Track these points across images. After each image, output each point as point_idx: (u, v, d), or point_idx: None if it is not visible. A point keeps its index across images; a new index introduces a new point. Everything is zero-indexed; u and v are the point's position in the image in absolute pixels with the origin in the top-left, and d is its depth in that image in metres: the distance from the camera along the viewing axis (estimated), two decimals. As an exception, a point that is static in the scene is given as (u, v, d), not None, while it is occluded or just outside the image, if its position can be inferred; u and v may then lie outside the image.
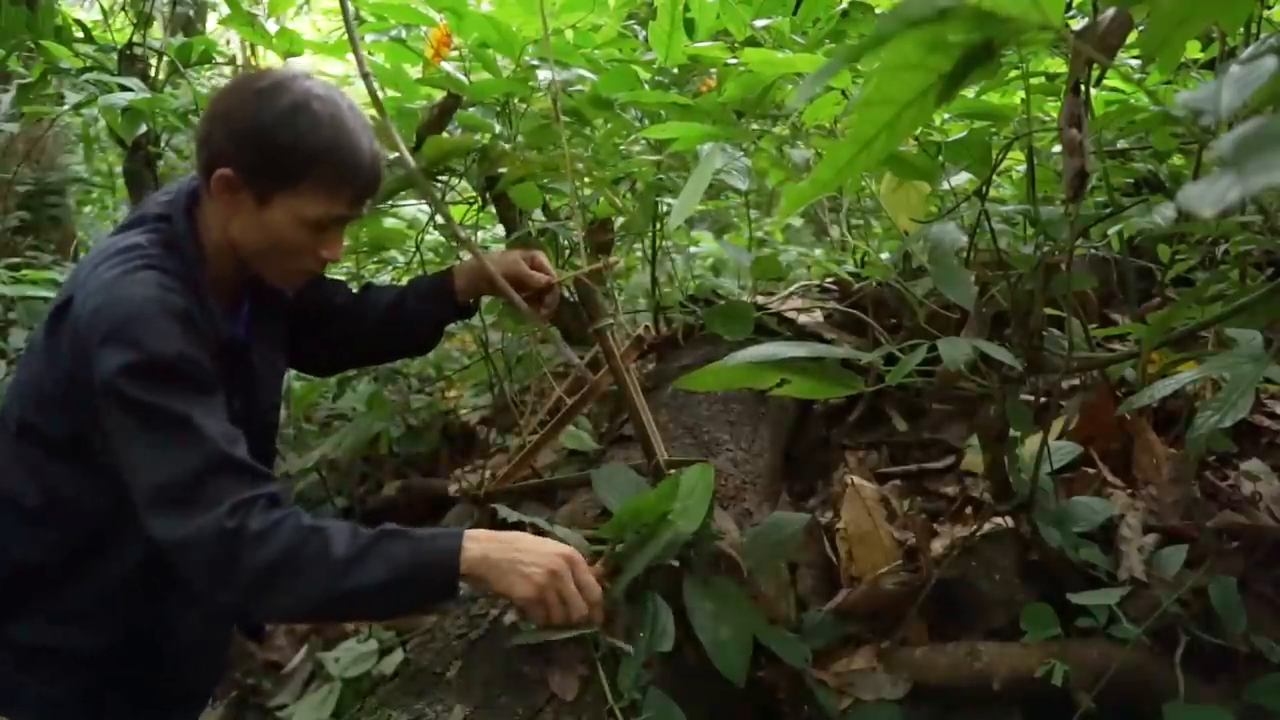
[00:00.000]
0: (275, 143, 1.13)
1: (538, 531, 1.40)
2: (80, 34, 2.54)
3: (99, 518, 1.18)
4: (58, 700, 1.19)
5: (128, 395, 1.04)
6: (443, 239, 2.28)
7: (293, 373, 1.71)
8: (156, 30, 3.49)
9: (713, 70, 1.89)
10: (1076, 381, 1.70)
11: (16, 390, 1.20)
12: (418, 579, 1.08)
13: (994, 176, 1.57)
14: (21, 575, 1.18)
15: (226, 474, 1.05)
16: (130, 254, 1.14)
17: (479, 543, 1.10)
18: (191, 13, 4.42)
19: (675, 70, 1.91)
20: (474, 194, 2.12)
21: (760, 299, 2.22)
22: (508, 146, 1.76)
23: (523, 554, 1.11)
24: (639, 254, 2.53)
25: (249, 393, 1.26)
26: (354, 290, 1.57)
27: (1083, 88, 0.91)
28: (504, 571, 1.10)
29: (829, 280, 2.35)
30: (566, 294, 1.64)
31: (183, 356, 1.06)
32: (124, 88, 2.07)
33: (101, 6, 3.37)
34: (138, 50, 2.57)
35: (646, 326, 2.25)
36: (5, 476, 1.19)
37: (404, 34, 1.98)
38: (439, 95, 1.89)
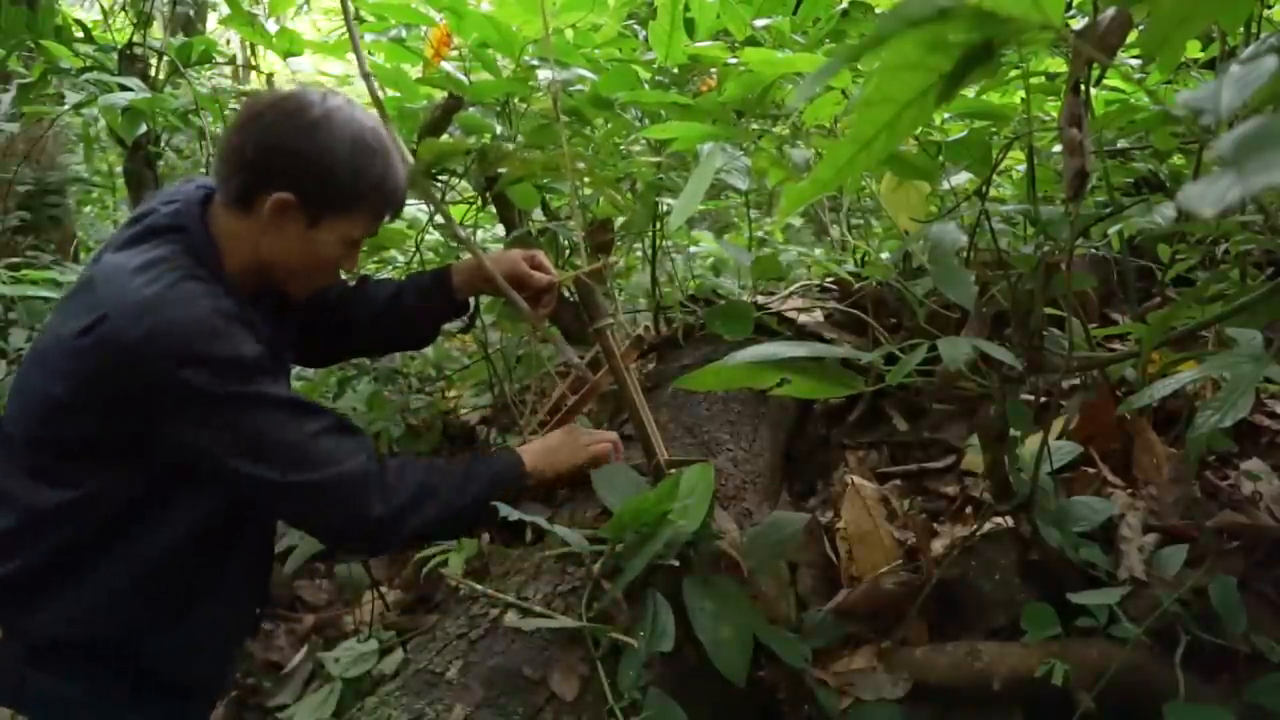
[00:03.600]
0: (338, 175, 1.22)
1: (538, 531, 1.40)
2: (80, 34, 2.54)
3: (116, 514, 1.19)
4: (68, 695, 1.20)
5: (226, 396, 1.14)
6: (442, 239, 2.28)
7: (294, 370, 1.73)
8: (156, 30, 3.49)
9: (713, 70, 1.89)
10: (1076, 381, 1.70)
11: (21, 405, 1.21)
12: (494, 501, 1.36)
13: (994, 176, 1.57)
14: (36, 573, 1.19)
15: (338, 432, 1.22)
16: (159, 266, 1.16)
17: (537, 463, 1.43)
18: (191, 13, 4.43)
19: (675, 70, 1.91)
20: (474, 194, 2.12)
21: (760, 299, 2.22)
22: (508, 146, 1.76)
23: (564, 459, 1.47)
24: (639, 254, 2.53)
25: None
26: (351, 284, 1.58)
27: (1083, 87, 0.91)
28: (556, 471, 1.47)
29: (829, 280, 2.34)
30: (566, 294, 1.64)
31: (257, 355, 1.17)
32: (124, 88, 2.08)
33: (101, 6, 3.37)
34: (138, 50, 2.57)
35: (647, 326, 2.25)
36: (15, 482, 1.20)
37: (404, 34, 1.99)
38: (440, 95, 1.89)
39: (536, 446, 1.46)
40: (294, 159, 1.21)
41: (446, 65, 1.76)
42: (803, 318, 2.14)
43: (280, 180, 1.21)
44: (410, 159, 1.38)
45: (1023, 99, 1.52)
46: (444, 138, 1.89)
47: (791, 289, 2.31)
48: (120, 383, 1.12)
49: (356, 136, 1.23)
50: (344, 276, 1.58)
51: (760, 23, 1.84)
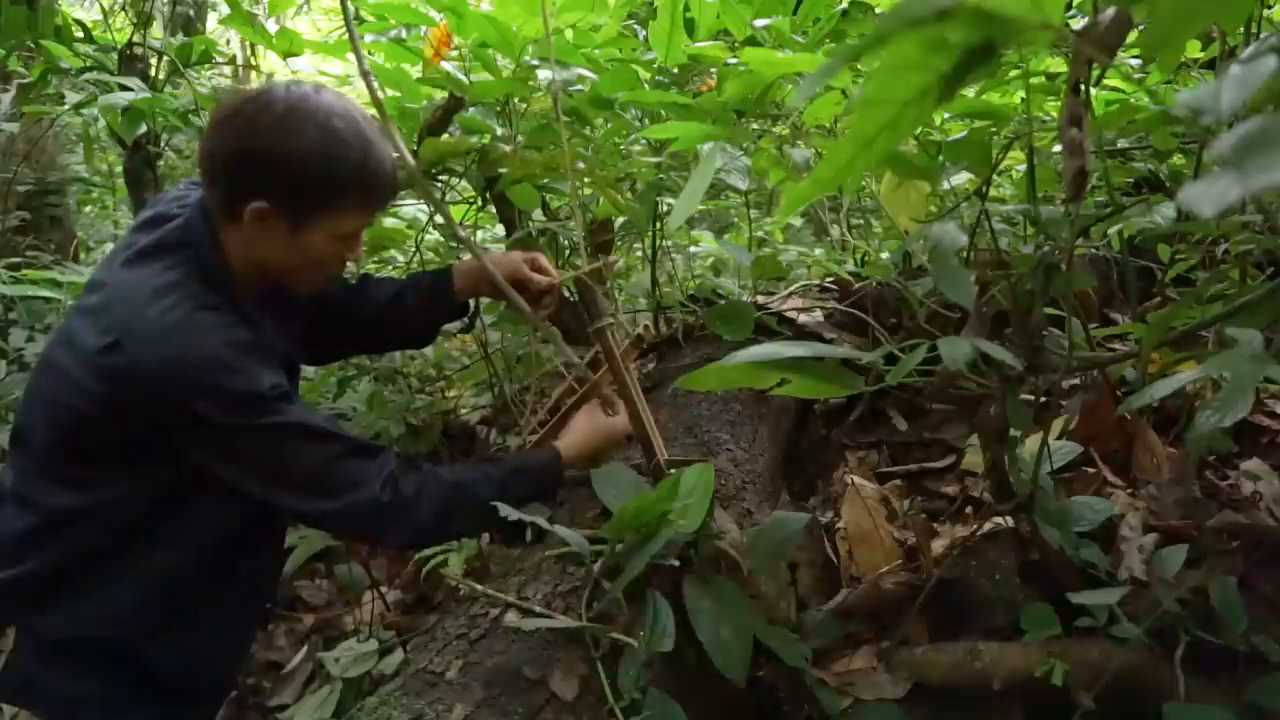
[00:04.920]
0: (310, 173, 1.16)
1: (538, 532, 1.40)
2: (80, 34, 2.54)
3: (134, 519, 1.19)
4: (78, 694, 1.20)
5: (244, 429, 1.14)
6: (443, 239, 2.28)
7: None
8: (156, 30, 3.49)
9: (713, 70, 1.89)
10: (1076, 381, 1.70)
11: (41, 410, 1.20)
12: (537, 498, 1.42)
13: (994, 176, 1.57)
14: (53, 574, 1.19)
15: (353, 453, 1.21)
16: (174, 294, 1.15)
17: (573, 452, 1.46)
18: (191, 13, 4.43)
19: (675, 70, 1.91)
20: (474, 194, 2.12)
21: (760, 299, 2.22)
22: (508, 147, 1.76)
23: (596, 443, 1.50)
24: (639, 254, 2.53)
25: None
26: (351, 282, 1.58)
27: (1083, 87, 0.91)
28: (594, 457, 1.51)
29: (829, 280, 2.34)
30: (566, 294, 1.64)
31: (272, 386, 1.16)
32: (124, 88, 2.08)
33: (101, 6, 3.37)
34: (138, 50, 2.57)
35: (646, 326, 2.25)
36: (32, 485, 1.20)
37: (404, 34, 1.99)
38: (440, 95, 1.89)
39: (577, 440, 1.48)
40: (262, 164, 1.15)
41: (446, 65, 1.76)
42: (803, 318, 2.14)
43: (253, 188, 1.16)
44: (410, 158, 1.38)
45: (1023, 99, 1.52)
46: (444, 138, 1.89)
47: (791, 289, 2.31)
48: (136, 408, 1.12)
49: (325, 127, 1.15)
50: (347, 273, 1.58)
51: (760, 23, 1.84)
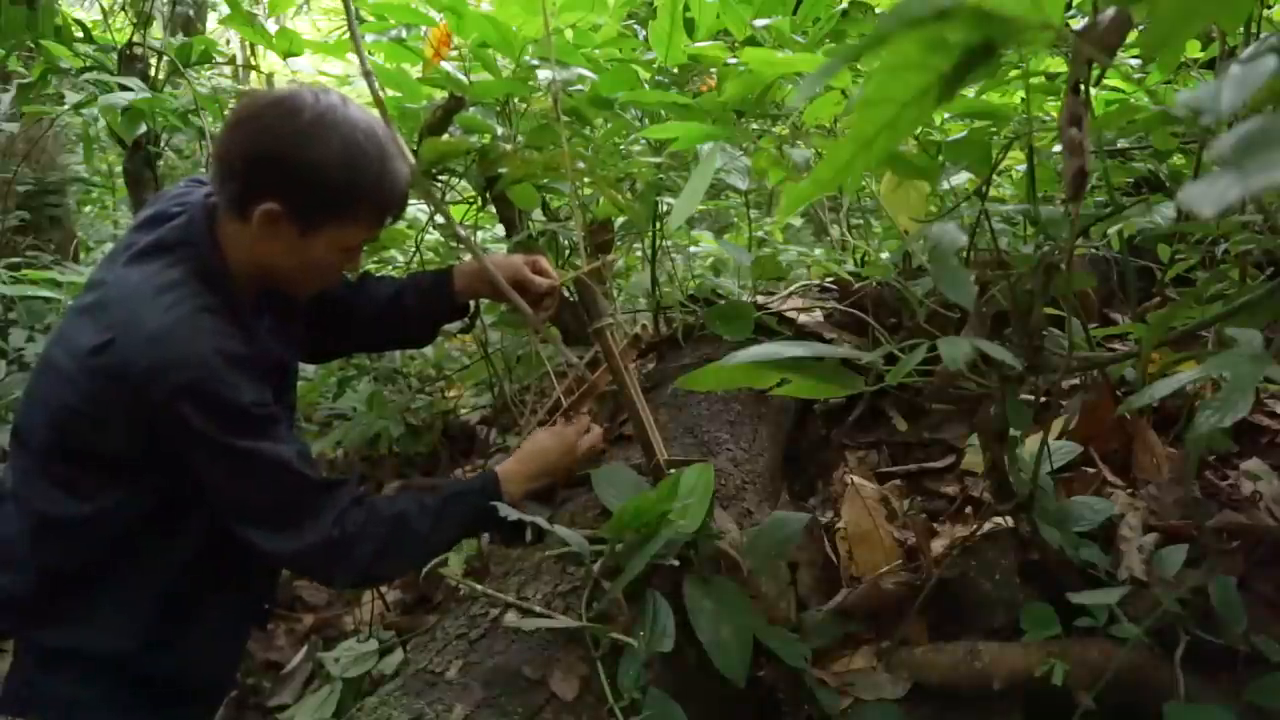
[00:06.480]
0: (328, 184, 1.17)
1: (538, 532, 1.40)
2: (80, 34, 2.54)
3: (131, 526, 1.19)
4: (77, 700, 1.20)
5: (218, 443, 1.14)
6: (443, 239, 2.28)
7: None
8: (156, 30, 3.49)
9: (713, 70, 1.89)
10: (1076, 381, 1.70)
11: (40, 411, 1.20)
12: (479, 527, 1.45)
13: (994, 176, 1.57)
14: (49, 581, 1.19)
15: (313, 493, 1.22)
16: (172, 293, 1.15)
17: (513, 483, 1.43)
18: (191, 13, 4.43)
19: (675, 70, 1.91)
20: (474, 194, 2.12)
21: (760, 299, 2.22)
22: (508, 147, 1.76)
23: (545, 468, 1.48)
24: (639, 254, 2.53)
25: (283, 397, 1.34)
26: (350, 280, 1.58)
27: (1083, 87, 0.91)
28: (543, 483, 1.49)
29: (829, 280, 2.34)
30: (566, 294, 1.64)
31: (254, 403, 1.16)
32: (124, 88, 2.08)
33: (101, 6, 3.38)
34: (138, 50, 2.57)
35: (644, 325, 2.25)
36: (31, 488, 1.20)
37: (404, 34, 1.99)
38: (440, 95, 1.89)
39: (517, 464, 1.46)
40: (281, 169, 1.16)
41: (446, 65, 1.76)
42: (803, 318, 2.14)
43: (268, 190, 1.17)
44: (411, 159, 1.38)
45: (1023, 99, 1.52)
46: (444, 137, 1.89)
47: (791, 289, 2.31)
48: (125, 407, 1.13)
49: (348, 141, 1.17)
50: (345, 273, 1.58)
51: (760, 23, 1.84)
